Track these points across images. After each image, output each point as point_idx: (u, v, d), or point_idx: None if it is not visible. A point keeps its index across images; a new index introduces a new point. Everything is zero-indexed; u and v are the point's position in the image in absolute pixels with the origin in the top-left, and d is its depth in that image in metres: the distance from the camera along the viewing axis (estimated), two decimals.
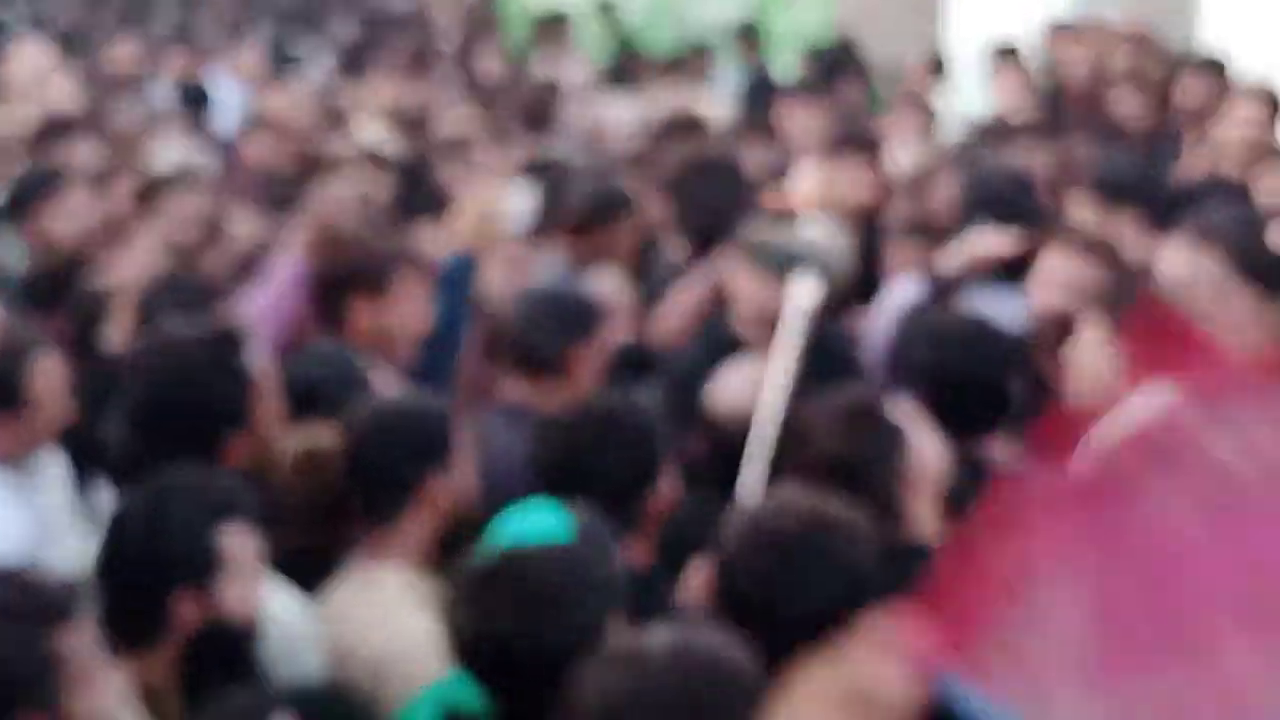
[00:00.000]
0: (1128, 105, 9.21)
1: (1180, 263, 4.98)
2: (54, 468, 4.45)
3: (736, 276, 5.28)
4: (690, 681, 2.62)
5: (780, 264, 4.87)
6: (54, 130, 7.88)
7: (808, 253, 4.86)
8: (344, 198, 5.38)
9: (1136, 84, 9.65)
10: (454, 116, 9.37)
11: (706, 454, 4.52)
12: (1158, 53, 10.14)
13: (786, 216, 5.64)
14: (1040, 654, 1.79)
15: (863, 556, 3.16)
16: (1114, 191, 6.03)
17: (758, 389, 4.45)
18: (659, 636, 2.73)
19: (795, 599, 3.08)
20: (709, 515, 3.90)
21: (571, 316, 5.00)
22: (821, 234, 4.94)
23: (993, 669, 1.80)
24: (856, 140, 7.10)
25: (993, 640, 1.82)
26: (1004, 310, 5.22)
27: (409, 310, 5.10)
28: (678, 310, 5.70)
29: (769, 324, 5.04)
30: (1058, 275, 5.25)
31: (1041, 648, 1.80)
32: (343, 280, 5.12)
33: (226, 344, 4.25)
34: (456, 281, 5.33)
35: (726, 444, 4.42)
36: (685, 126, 8.54)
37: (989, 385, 4.60)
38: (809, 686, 1.95)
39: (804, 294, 4.80)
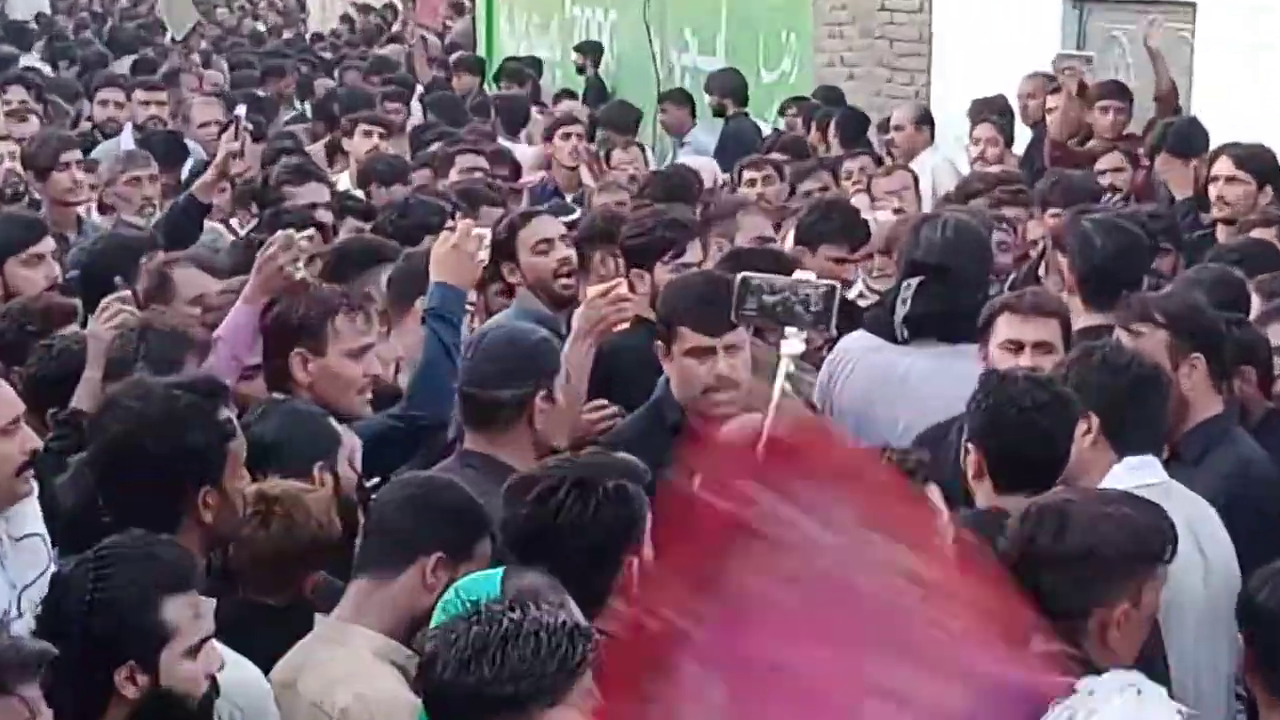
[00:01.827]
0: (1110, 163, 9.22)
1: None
2: (31, 523, 4.32)
3: (676, 351, 5.33)
4: None
5: (765, 316, 4.81)
6: None
7: (793, 302, 4.76)
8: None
9: (1120, 141, 9.69)
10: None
11: None
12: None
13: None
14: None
15: None
16: (1086, 261, 6.09)
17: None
18: None
19: None
20: None
21: (521, 362, 5.02)
22: (808, 282, 4.87)
23: None
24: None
25: None
26: (955, 370, 5.37)
27: (351, 356, 5.18)
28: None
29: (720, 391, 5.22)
30: (1008, 338, 5.44)
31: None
32: (282, 334, 5.22)
33: (208, 395, 4.27)
34: (444, 315, 5.47)
35: None
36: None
37: None
38: None
39: (794, 346, 4.65)
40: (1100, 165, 9.11)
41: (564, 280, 6.44)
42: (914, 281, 5.82)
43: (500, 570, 3.64)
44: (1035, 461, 4.59)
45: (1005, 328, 5.45)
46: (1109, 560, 3.79)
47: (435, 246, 5.73)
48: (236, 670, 3.69)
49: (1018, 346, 5.38)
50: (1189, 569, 4.15)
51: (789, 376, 4.81)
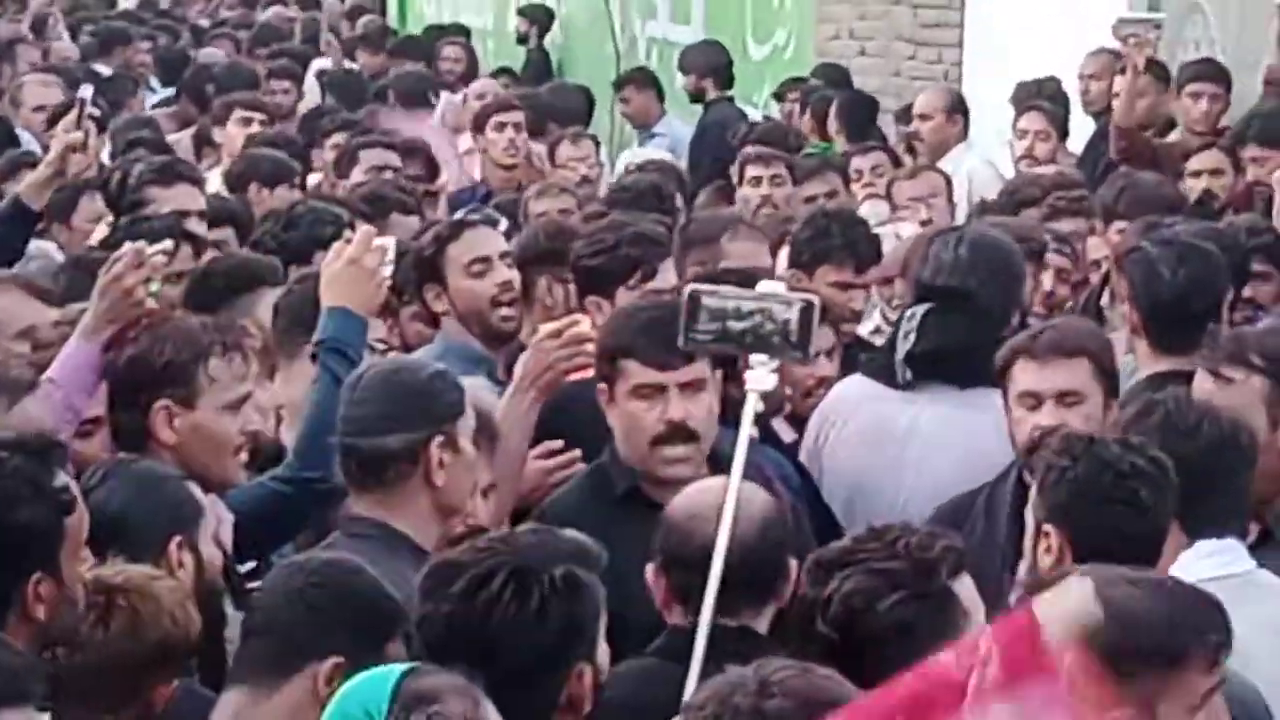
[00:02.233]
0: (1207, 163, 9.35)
1: None
2: None
3: (619, 391, 5.38)
4: None
5: (726, 342, 4.86)
6: None
7: (762, 324, 4.80)
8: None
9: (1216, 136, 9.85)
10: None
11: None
12: None
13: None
14: None
15: None
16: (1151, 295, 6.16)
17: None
18: None
19: None
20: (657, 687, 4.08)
21: (411, 401, 5.03)
22: (778, 295, 4.89)
23: None
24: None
25: None
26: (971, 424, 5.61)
27: (227, 410, 5.25)
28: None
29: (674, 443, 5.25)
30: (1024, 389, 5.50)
31: None
32: (141, 381, 5.26)
33: (39, 457, 4.23)
34: (340, 348, 5.58)
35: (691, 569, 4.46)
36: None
37: None
38: None
39: (763, 379, 4.76)
40: (1193, 165, 9.31)
41: (504, 310, 6.47)
42: (919, 310, 5.93)
43: (397, 669, 3.60)
44: (1135, 542, 4.57)
45: (1020, 376, 5.51)
46: None
47: (327, 262, 5.81)
48: None
49: (1036, 400, 5.45)
50: (1273, 680, 4.18)
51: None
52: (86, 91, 8.93)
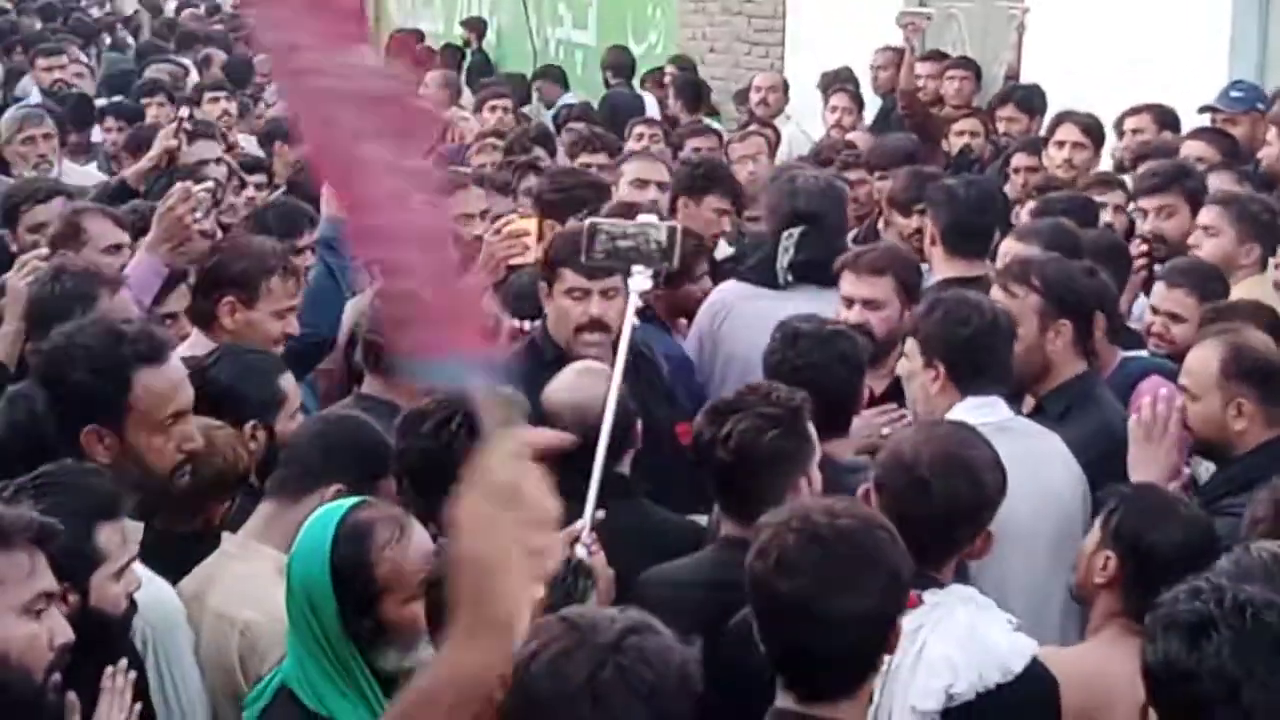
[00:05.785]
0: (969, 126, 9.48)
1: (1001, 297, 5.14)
2: None
3: (556, 290, 5.33)
4: None
5: (615, 258, 4.72)
6: None
7: (641, 244, 4.68)
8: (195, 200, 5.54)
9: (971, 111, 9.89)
10: None
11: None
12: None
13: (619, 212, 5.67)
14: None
15: None
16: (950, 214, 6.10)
17: (593, 383, 4.45)
18: None
19: None
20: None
21: None
22: (653, 225, 4.84)
23: None
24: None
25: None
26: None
27: (276, 315, 5.23)
28: None
29: (591, 331, 5.25)
30: (844, 294, 5.56)
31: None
32: (216, 281, 5.24)
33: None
34: (334, 245, 5.57)
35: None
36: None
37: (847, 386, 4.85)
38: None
39: (641, 282, 4.61)
40: (959, 127, 9.41)
41: None
42: (796, 230, 5.98)
43: (348, 503, 3.62)
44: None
45: (843, 285, 5.55)
46: None
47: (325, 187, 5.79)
48: (150, 588, 3.69)
49: (849, 303, 5.49)
50: (1020, 497, 4.13)
51: None
52: (185, 111, 8.75)
